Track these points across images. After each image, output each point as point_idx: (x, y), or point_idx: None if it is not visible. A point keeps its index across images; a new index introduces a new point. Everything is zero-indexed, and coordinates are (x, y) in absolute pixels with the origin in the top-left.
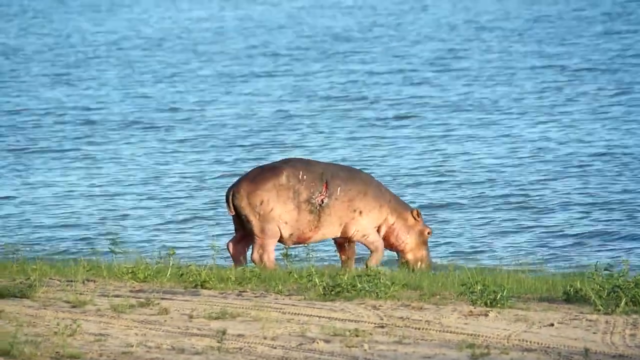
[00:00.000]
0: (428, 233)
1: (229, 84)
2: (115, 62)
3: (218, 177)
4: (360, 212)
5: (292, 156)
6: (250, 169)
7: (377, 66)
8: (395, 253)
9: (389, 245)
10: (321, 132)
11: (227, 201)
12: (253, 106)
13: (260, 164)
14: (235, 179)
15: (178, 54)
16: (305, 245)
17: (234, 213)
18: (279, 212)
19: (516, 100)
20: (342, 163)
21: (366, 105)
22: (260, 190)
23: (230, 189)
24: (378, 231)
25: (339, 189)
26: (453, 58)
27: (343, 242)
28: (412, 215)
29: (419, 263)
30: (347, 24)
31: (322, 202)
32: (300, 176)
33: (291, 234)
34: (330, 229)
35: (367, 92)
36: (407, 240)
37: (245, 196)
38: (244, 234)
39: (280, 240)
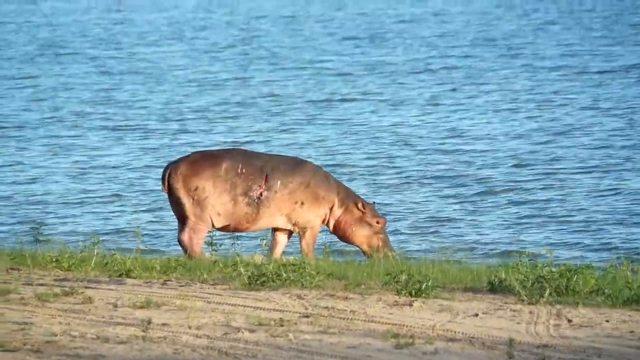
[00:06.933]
0: (378, 223)
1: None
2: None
3: (143, 166)
4: (302, 203)
5: (234, 147)
6: (191, 152)
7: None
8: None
9: (340, 237)
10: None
11: (163, 179)
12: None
13: (202, 149)
14: (173, 159)
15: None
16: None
17: (167, 192)
18: (212, 202)
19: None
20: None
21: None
22: (197, 177)
23: (167, 167)
24: (327, 223)
25: (279, 182)
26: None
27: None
28: (358, 208)
29: (377, 252)
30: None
31: (261, 196)
32: (239, 169)
33: (226, 225)
34: (270, 220)
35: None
36: (356, 232)
37: (181, 179)
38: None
39: (216, 228)
